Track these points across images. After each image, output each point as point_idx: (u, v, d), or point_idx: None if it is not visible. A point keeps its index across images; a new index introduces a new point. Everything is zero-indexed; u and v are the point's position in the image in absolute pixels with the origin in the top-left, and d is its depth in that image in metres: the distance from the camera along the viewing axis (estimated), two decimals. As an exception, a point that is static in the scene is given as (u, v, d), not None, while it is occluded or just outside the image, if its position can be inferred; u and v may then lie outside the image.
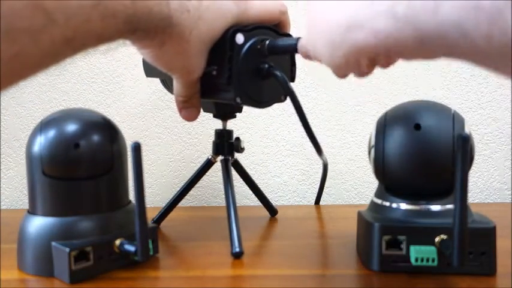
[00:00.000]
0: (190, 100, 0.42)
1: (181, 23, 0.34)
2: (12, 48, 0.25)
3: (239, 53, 0.39)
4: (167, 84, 0.50)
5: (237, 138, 0.53)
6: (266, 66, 0.40)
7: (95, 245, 0.40)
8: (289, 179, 0.72)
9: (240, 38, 0.38)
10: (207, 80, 0.41)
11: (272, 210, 0.60)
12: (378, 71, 0.34)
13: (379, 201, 0.43)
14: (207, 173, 0.56)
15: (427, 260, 0.38)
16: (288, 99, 0.44)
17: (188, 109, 0.43)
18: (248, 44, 0.39)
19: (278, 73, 0.40)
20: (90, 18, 0.28)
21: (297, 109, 0.44)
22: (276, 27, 0.42)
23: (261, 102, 0.43)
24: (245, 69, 0.39)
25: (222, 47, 0.39)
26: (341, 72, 0.33)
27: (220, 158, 0.53)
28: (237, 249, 0.45)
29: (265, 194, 0.59)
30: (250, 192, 0.60)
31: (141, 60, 0.48)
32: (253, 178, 0.58)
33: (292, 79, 0.45)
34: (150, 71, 0.48)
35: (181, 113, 0.43)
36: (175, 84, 0.41)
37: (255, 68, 0.40)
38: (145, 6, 0.32)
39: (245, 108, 0.52)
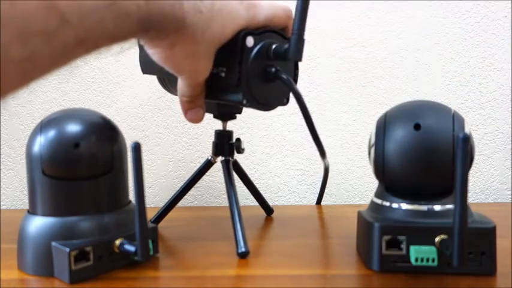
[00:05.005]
0: (196, 101, 0.42)
1: (193, 24, 0.34)
2: (25, 50, 0.25)
3: (249, 56, 0.39)
4: (164, 82, 0.50)
5: (238, 139, 0.53)
6: (273, 69, 0.40)
7: (95, 245, 0.40)
8: (289, 179, 0.72)
9: (250, 41, 0.39)
10: (214, 81, 0.41)
11: (268, 209, 0.61)
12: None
13: (379, 201, 0.43)
14: (207, 173, 0.56)
15: (427, 260, 0.38)
16: (290, 103, 0.45)
17: (194, 110, 0.43)
18: (257, 47, 0.40)
19: (285, 77, 0.41)
20: (104, 19, 0.28)
21: (303, 112, 0.45)
22: (282, 31, 0.42)
23: (266, 105, 0.43)
24: (254, 72, 0.40)
25: (232, 49, 0.39)
26: None
27: (220, 158, 0.53)
28: (243, 249, 0.45)
29: (266, 194, 0.60)
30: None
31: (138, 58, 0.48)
32: (254, 178, 0.58)
33: (295, 82, 0.45)
34: (146, 67, 0.48)
35: (187, 115, 0.43)
36: (181, 84, 0.41)
37: (263, 71, 0.41)
38: (158, 7, 0.32)
39: (245, 108, 0.52)
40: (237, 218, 0.47)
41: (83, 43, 0.28)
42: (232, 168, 0.53)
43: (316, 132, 0.48)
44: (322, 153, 0.52)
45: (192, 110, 0.43)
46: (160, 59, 0.37)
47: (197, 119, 0.43)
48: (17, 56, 0.24)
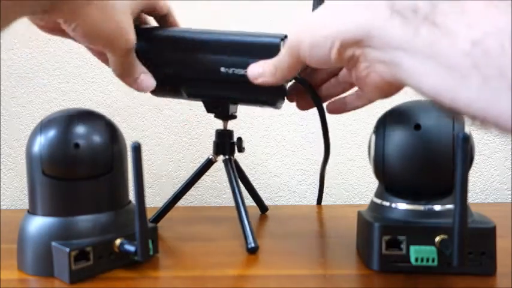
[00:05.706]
0: (134, 69, 0.43)
1: None
2: None
3: None
4: None
5: (239, 138, 0.53)
6: None
7: (95, 245, 0.40)
8: (289, 179, 0.72)
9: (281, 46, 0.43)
10: (241, 80, 0.43)
11: (263, 207, 0.61)
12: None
13: (379, 201, 0.43)
14: (207, 173, 0.56)
15: (427, 260, 0.38)
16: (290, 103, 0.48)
17: (141, 77, 0.44)
18: None
19: (299, 77, 0.45)
20: None
21: (318, 108, 0.47)
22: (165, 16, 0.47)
23: (280, 103, 0.47)
24: None
25: (269, 54, 0.41)
26: None
27: (220, 157, 0.53)
28: (252, 244, 0.46)
29: (266, 194, 0.60)
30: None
31: None
32: (254, 178, 0.59)
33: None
34: None
35: (139, 84, 0.44)
36: (114, 61, 0.42)
37: None
38: None
39: (246, 108, 0.52)
40: (243, 214, 0.48)
41: None
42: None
43: (327, 131, 0.51)
44: (327, 154, 0.53)
45: (139, 78, 0.44)
46: (84, 32, 0.38)
47: (151, 84, 0.45)
48: None
